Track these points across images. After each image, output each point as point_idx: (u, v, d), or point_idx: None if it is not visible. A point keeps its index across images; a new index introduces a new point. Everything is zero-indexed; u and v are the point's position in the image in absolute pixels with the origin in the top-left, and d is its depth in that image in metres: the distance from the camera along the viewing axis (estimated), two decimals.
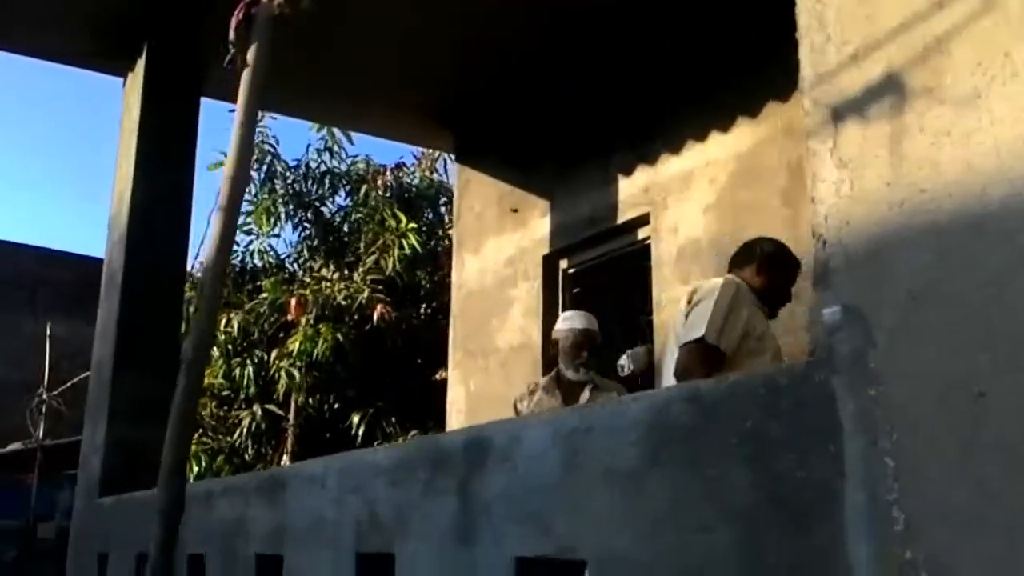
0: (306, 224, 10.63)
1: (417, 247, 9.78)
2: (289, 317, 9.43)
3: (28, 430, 14.67)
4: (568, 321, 4.31)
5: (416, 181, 11.07)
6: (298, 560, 2.42)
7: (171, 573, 2.10)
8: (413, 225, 9.94)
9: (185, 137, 5.19)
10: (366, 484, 2.20)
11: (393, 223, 9.96)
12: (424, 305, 10.31)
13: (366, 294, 9.44)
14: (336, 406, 9.76)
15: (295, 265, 10.97)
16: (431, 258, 10.30)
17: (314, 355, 9.15)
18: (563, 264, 5.95)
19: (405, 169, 11.01)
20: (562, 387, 4.22)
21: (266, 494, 2.58)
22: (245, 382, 9.81)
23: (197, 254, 9.94)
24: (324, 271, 10.16)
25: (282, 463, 9.68)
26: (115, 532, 4.18)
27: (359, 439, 9.29)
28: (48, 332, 14.54)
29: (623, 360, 4.95)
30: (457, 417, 6.44)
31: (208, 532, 3.05)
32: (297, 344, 9.25)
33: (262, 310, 10.01)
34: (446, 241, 10.63)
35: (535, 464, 1.73)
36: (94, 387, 4.83)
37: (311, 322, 9.38)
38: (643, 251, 5.36)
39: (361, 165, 10.93)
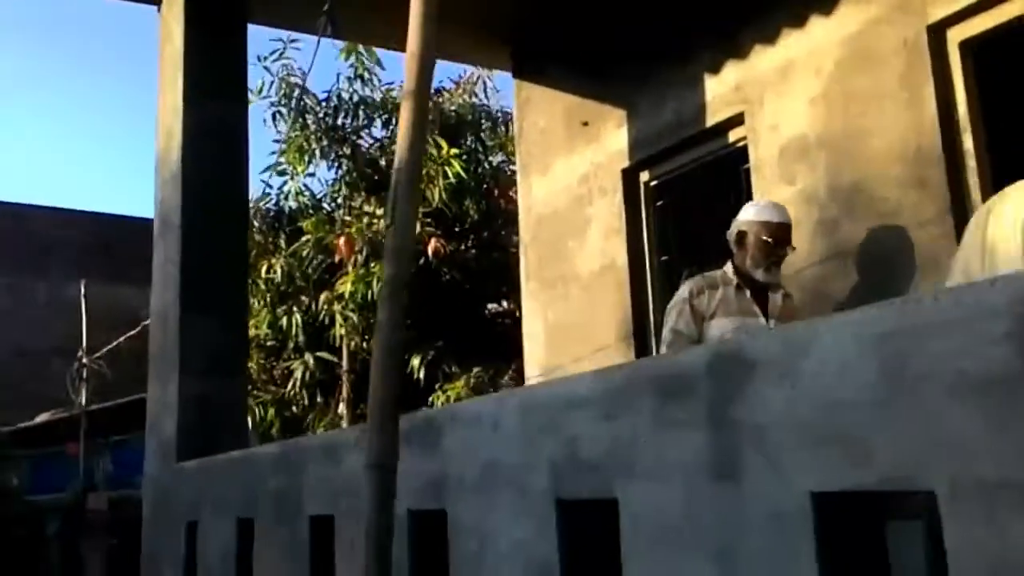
0: (343, 159, 10.20)
1: (463, 175, 9.35)
2: (337, 258, 9.07)
3: (54, 398, 14.40)
4: (762, 212, 3.78)
5: (456, 107, 10.59)
6: (469, 514, 2.08)
7: (391, 535, 1.76)
8: (455, 151, 9.49)
9: (235, 63, 4.77)
10: (560, 420, 1.84)
11: (435, 151, 9.52)
12: (474, 235, 9.92)
13: (416, 227, 9.05)
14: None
15: (334, 204, 10.58)
16: (477, 186, 9.88)
17: (367, 296, 8.81)
18: (644, 177, 5.52)
19: (445, 94, 10.52)
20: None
21: (416, 441, 2.23)
22: (294, 330, 9.50)
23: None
24: (367, 207, 9.77)
25: (339, 412, 9.42)
26: (207, 497, 3.87)
27: (420, 383, 8.99)
28: (83, 292, 14.24)
29: None
30: (536, 350, 6.09)
31: (336, 491, 2.72)
32: (348, 286, 8.90)
33: (305, 253, 9.65)
34: (487, 165, 10.18)
35: (835, 379, 1.35)
36: (159, 337, 4.49)
37: (361, 262, 9.02)
38: (737, 154, 4.93)
39: (396, 92, 10.45)
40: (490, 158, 10.38)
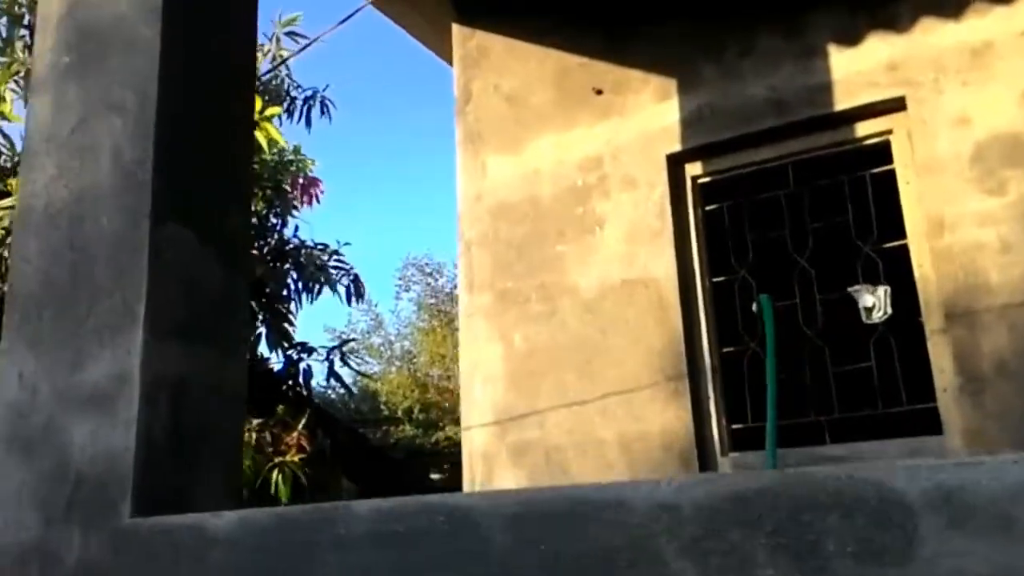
0: None
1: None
2: None
3: None
4: None
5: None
6: None
7: None
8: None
9: None
10: None
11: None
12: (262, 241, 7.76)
13: None
14: None
15: None
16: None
17: None
18: (692, 170, 4.19)
19: None
20: None
21: None
22: None
23: None
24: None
25: None
26: None
27: None
28: None
29: (870, 299, 3.41)
30: (488, 389, 4.37)
31: None
32: None
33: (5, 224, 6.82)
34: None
35: None
36: (81, 262, 2.23)
37: None
38: (865, 153, 3.80)
39: None
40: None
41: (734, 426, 3.92)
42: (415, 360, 16.42)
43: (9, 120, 7.30)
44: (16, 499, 2.10)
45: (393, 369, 16.12)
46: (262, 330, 7.87)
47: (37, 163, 2.35)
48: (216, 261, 2.26)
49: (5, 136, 7.62)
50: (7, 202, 6.72)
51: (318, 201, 7.80)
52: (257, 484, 6.33)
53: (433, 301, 17.09)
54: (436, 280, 17.39)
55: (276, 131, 7.13)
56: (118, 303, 2.11)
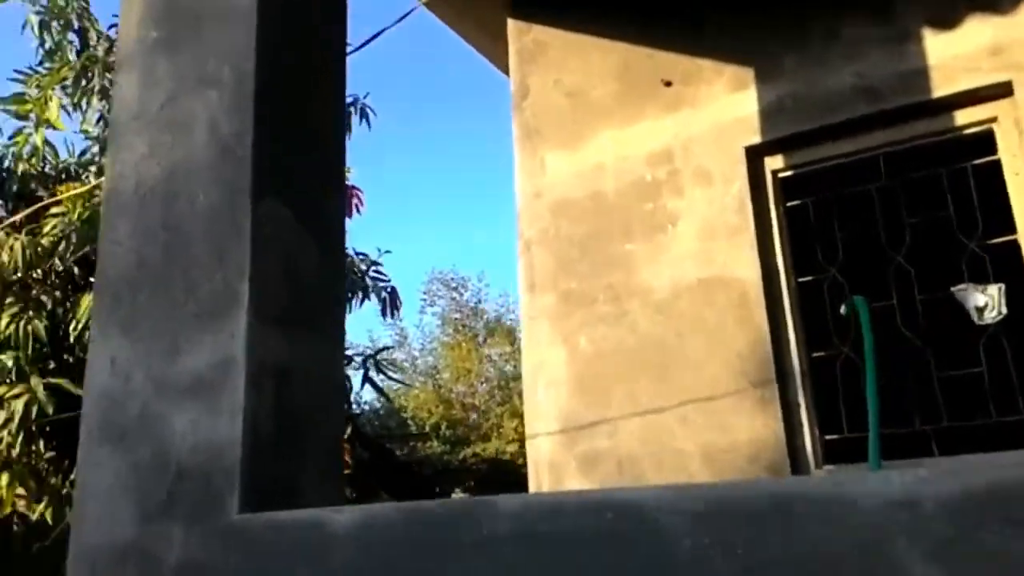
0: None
1: None
2: None
3: None
4: None
5: None
6: None
7: None
8: None
9: None
10: None
11: None
12: None
13: None
14: None
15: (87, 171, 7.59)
16: None
17: None
18: (772, 164, 3.99)
19: None
20: None
21: None
22: (27, 343, 6.42)
23: None
24: None
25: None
26: None
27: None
28: None
29: (982, 298, 3.21)
30: (552, 393, 4.17)
31: None
32: None
33: (57, 231, 6.65)
34: None
35: None
36: (175, 241, 2.04)
37: None
38: (963, 143, 3.61)
39: None
40: None
41: (827, 436, 3.70)
42: (439, 376, 16.21)
43: (55, 128, 7.15)
44: (110, 493, 1.90)
45: (417, 384, 15.91)
46: None
47: (125, 142, 2.17)
48: (314, 243, 2.07)
49: (50, 145, 7.48)
50: (57, 209, 6.55)
51: (359, 211, 7.59)
52: None
53: (458, 316, 16.90)
54: (461, 295, 17.20)
55: None
56: (219, 285, 1.91)
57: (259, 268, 1.90)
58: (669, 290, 3.98)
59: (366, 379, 8.08)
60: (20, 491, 6.91)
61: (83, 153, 7.83)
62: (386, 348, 11.25)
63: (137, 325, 2.01)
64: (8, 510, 6.75)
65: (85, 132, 7.59)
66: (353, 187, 7.95)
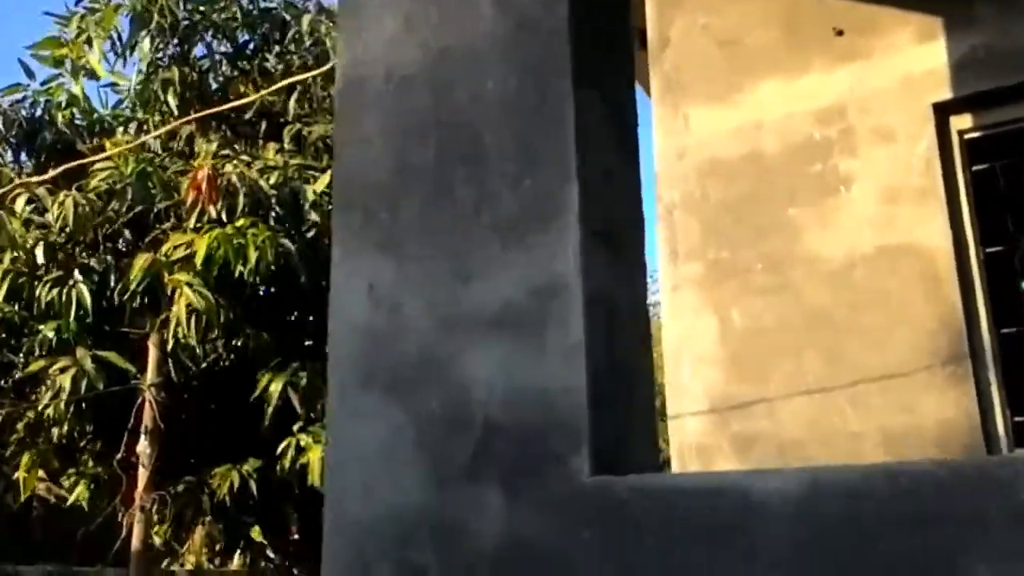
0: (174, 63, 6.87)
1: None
2: (189, 199, 5.82)
3: None
4: None
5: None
6: None
7: None
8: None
9: None
10: None
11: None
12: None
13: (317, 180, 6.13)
14: (231, 358, 6.26)
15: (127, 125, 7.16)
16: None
17: (233, 270, 5.68)
18: (958, 123, 3.60)
19: None
20: None
21: None
22: (71, 309, 5.98)
23: None
24: (208, 139, 6.58)
25: (139, 451, 6.02)
26: None
27: (267, 415, 5.96)
28: None
29: None
30: (700, 370, 3.77)
31: None
32: (202, 246, 5.67)
33: (103, 187, 6.21)
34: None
35: None
36: (486, 147, 1.64)
37: (222, 214, 5.85)
38: None
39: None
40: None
41: (1015, 419, 3.33)
42: None
43: (95, 76, 6.73)
44: (383, 453, 1.51)
45: None
46: None
47: (367, 18, 1.77)
48: (618, 144, 1.68)
49: (86, 98, 7.05)
50: (102, 165, 6.12)
51: None
52: None
53: None
54: None
55: None
56: (529, 191, 1.51)
57: (583, 170, 1.50)
58: (842, 259, 3.60)
59: None
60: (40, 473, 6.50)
61: (117, 104, 7.41)
62: None
63: (402, 243, 1.61)
64: (28, 494, 6.34)
65: (115, 85, 7.16)
66: None
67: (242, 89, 7.20)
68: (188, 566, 6.44)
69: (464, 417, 1.45)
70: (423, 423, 1.48)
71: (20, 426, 6.38)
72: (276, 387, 5.85)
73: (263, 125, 7.20)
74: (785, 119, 3.85)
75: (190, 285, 5.56)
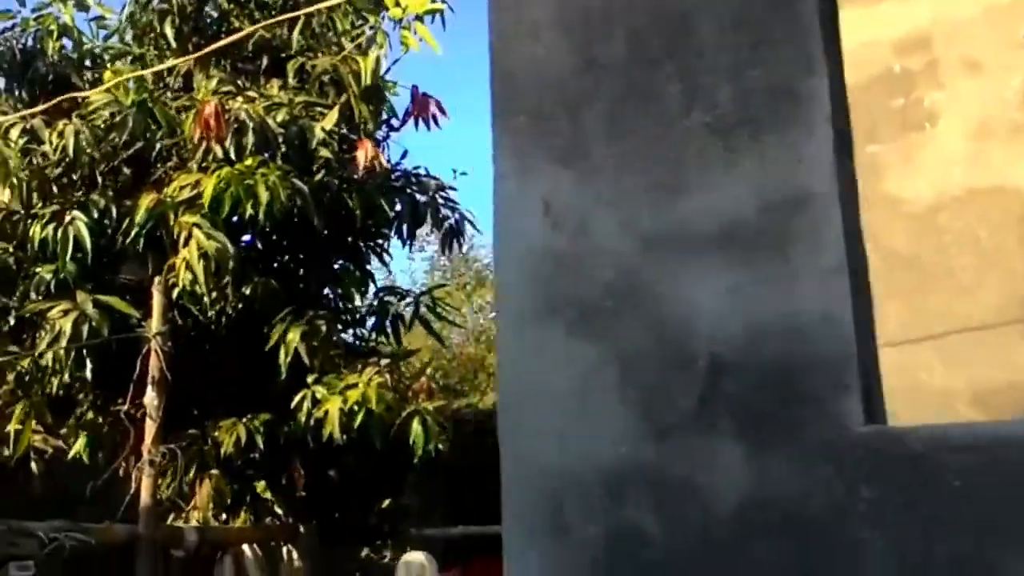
0: None
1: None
2: (195, 136, 5.47)
3: None
4: None
5: None
6: None
7: None
8: None
9: None
10: None
11: None
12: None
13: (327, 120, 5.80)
14: (238, 307, 5.94)
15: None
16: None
17: (243, 212, 5.36)
18: None
19: None
20: None
21: None
22: (68, 248, 5.64)
23: None
24: (210, 73, 6.21)
25: (145, 402, 5.74)
26: None
27: (283, 366, 5.69)
28: None
29: None
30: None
31: None
32: (209, 186, 5.34)
33: (100, 122, 5.83)
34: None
35: None
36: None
37: (229, 152, 5.51)
38: None
39: None
40: None
41: None
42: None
43: (87, 8, 6.33)
44: (574, 394, 1.26)
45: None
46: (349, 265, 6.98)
47: None
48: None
49: (78, 30, 6.65)
50: (99, 98, 5.73)
51: (436, 123, 6.76)
52: (392, 433, 5.46)
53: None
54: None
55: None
56: (759, 83, 1.26)
57: (830, 52, 1.26)
58: (927, 201, 3.37)
59: (416, 318, 7.35)
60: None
61: (108, 38, 7.00)
62: (442, 285, 10.52)
63: (587, 154, 1.34)
64: (24, 446, 6.04)
65: (102, 19, 6.76)
66: (426, 95, 7.15)
67: (236, 24, 6.83)
68: (193, 522, 6.20)
69: (685, 355, 1.20)
70: (627, 362, 1.23)
71: (11, 377, 6.06)
72: (293, 336, 5.57)
73: (264, 60, 6.83)
74: (861, 49, 3.57)
75: (198, 227, 5.25)
